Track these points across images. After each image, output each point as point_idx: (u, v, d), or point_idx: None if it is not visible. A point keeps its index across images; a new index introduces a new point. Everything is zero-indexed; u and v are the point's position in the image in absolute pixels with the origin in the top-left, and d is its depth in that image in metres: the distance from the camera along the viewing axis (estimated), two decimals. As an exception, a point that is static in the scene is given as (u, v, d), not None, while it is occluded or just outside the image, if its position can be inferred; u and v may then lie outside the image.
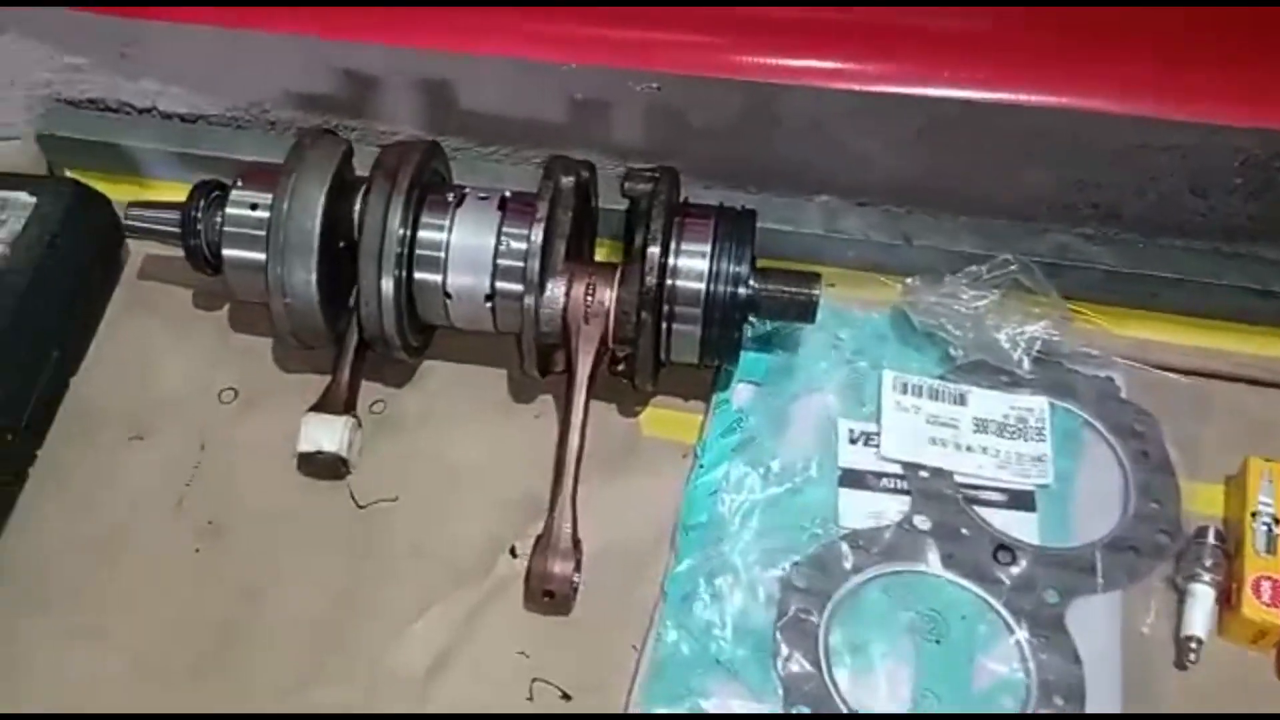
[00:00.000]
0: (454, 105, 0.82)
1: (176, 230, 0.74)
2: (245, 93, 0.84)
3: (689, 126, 0.81)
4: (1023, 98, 0.68)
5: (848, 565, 0.70)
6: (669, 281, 0.70)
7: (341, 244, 0.74)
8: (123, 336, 0.81)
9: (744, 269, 0.71)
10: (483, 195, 0.73)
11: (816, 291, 0.73)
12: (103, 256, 0.82)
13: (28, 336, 0.74)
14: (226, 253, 0.73)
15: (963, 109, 0.70)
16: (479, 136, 0.84)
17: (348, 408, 0.75)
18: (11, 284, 0.74)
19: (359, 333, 0.74)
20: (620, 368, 0.75)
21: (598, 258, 0.84)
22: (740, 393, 0.78)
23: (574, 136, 0.83)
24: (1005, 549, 0.70)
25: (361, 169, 0.75)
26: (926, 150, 0.78)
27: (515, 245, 0.71)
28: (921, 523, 0.72)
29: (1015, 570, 0.69)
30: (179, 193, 0.86)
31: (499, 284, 0.72)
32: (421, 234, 0.72)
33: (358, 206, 0.74)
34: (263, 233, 0.71)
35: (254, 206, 0.72)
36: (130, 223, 0.76)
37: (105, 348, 0.81)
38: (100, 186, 0.86)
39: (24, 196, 0.78)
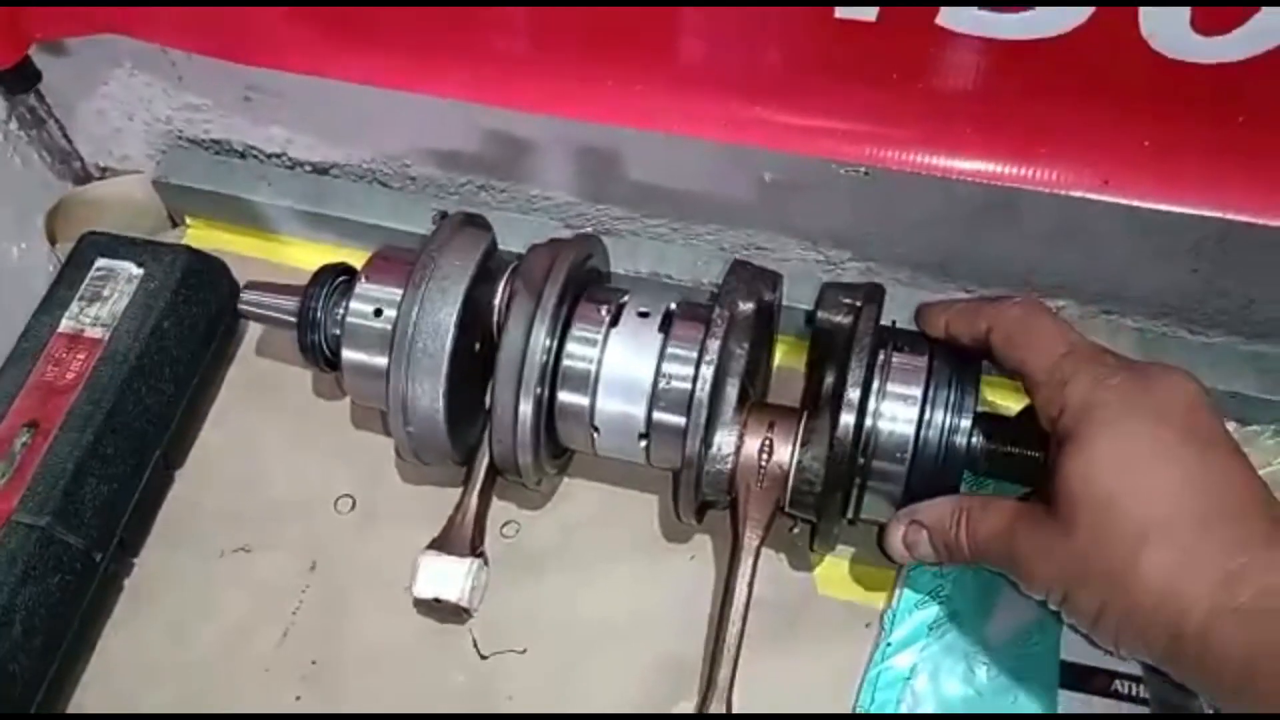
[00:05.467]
0: (619, 175, 0.69)
1: (293, 320, 0.64)
2: (384, 146, 0.73)
3: (899, 216, 0.66)
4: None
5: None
6: (867, 426, 0.56)
7: (477, 346, 0.63)
8: (234, 424, 0.72)
9: (963, 420, 0.56)
10: (643, 310, 0.61)
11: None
12: (220, 333, 0.72)
13: (124, 440, 0.64)
14: (346, 355, 0.63)
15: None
16: (645, 209, 0.71)
17: (473, 546, 0.64)
18: (109, 378, 0.64)
19: (490, 456, 0.63)
20: (795, 528, 0.62)
21: (777, 357, 0.71)
22: (941, 551, 0.64)
23: (756, 217, 0.69)
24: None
25: (507, 235, 0.66)
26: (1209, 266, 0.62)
27: (677, 383, 0.59)
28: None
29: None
30: (306, 252, 0.78)
31: (657, 416, 0.60)
32: (570, 346, 0.60)
33: (498, 301, 0.63)
34: (387, 336, 0.60)
35: (378, 312, 0.61)
36: (244, 307, 0.66)
37: (214, 436, 0.71)
38: (222, 237, 0.78)
39: (131, 268, 0.68)
